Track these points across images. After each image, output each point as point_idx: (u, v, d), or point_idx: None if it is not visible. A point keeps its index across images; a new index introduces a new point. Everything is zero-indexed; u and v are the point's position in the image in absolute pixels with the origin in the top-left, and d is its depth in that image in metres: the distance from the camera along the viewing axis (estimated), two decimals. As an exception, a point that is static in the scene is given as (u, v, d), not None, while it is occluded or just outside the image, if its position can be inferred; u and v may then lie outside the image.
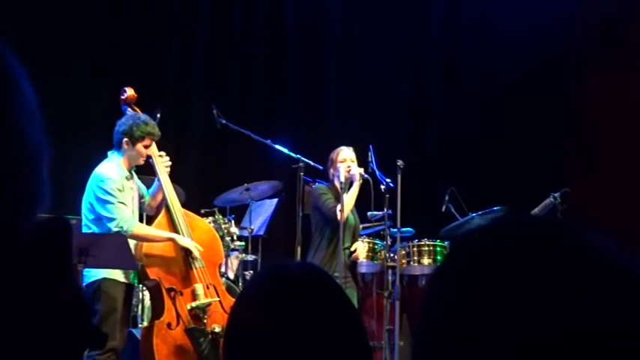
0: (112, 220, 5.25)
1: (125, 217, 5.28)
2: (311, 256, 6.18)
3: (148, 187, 5.70)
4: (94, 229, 5.28)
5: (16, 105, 0.87)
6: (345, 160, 6.21)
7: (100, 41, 8.45)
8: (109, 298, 5.24)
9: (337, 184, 6.22)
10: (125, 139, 5.40)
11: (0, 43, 0.91)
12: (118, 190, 5.31)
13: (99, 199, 5.28)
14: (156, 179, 5.64)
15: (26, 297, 0.86)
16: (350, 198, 6.12)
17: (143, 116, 5.52)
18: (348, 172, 6.17)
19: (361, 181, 6.17)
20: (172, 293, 5.44)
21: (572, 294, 0.81)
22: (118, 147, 5.44)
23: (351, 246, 6.31)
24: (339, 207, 6.07)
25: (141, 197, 5.61)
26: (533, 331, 0.80)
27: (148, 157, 5.51)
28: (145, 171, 5.71)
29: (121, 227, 5.22)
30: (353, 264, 6.34)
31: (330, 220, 6.15)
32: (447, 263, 0.93)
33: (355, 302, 6.09)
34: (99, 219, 5.29)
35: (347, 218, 6.17)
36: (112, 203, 5.27)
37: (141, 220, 5.71)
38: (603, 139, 8.58)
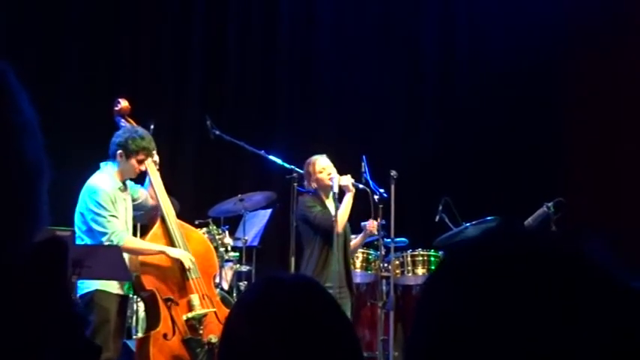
0: (103, 233, 5.23)
1: (116, 230, 5.27)
2: (303, 267, 6.08)
3: None
4: (87, 240, 5.26)
5: (16, 125, 0.87)
6: (324, 169, 6.13)
7: (94, 52, 8.45)
8: (102, 310, 5.23)
9: (322, 194, 6.15)
10: (120, 151, 5.39)
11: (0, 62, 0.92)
12: (110, 202, 5.30)
13: (91, 212, 5.27)
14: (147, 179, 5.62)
15: (20, 316, 0.86)
16: (345, 209, 6.02)
17: (140, 130, 5.50)
18: (330, 179, 6.07)
19: (354, 190, 6.12)
20: (169, 303, 5.42)
21: (563, 305, 0.82)
22: (113, 158, 5.44)
23: (345, 255, 6.19)
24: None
25: (134, 200, 5.59)
26: (525, 342, 0.80)
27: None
28: (140, 183, 5.70)
29: (112, 241, 5.22)
30: (348, 272, 6.25)
31: (323, 231, 6.02)
32: (439, 275, 0.93)
33: (349, 314, 6.00)
34: (91, 231, 5.28)
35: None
36: (104, 217, 5.26)
37: (135, 231, 5.69)
38: (598, 148, 8.59)
